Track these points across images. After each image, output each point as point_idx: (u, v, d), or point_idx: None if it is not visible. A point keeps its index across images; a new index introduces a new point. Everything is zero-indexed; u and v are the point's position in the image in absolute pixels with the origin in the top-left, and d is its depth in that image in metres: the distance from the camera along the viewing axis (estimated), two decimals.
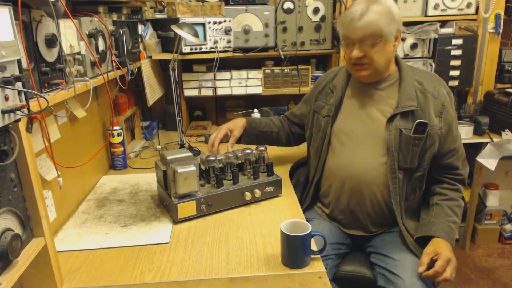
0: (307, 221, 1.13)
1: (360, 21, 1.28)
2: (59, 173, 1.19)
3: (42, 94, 0.98)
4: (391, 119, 1.36)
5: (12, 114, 0.80)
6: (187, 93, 2.36)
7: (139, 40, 1.95)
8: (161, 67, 2.34)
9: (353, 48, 1.33)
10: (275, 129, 1.72)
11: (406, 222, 1.38)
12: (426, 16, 2.29)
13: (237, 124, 1.66)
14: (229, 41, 2.17)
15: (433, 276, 1.20)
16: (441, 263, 1.20)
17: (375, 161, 1.38)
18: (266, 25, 2.27)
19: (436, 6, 2.25)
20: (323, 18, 2.32)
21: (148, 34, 2.07)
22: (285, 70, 2.40)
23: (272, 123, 1.73)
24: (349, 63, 1.39)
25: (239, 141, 1.67)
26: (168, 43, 2.13)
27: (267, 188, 1.45)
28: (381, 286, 1.30)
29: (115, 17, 1.64)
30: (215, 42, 2.12)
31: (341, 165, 1.43)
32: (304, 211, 1.52)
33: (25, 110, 0.83)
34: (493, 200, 2.66)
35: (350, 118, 1.45)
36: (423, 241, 1.32)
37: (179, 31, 1.66)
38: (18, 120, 0.83)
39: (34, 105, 0.91)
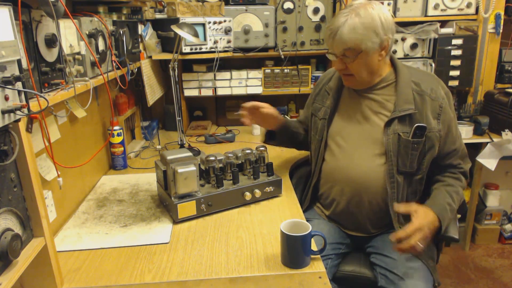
0: (307, 221, 1.13)
1: (335, 38, 1.28)
2: (59, 173, 1.19)
3: (42, 94, 0.98)
4: (388, 123, 1.35)
5: (12, 114, 0.80)
6: (187, 93, 2.36)
7: (139, 40, 1.95)
8: (161, 67, 2.34)
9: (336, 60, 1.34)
10: (301, 130, 1.67)
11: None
12: (426, 16, 2.29)
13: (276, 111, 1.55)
14: (229, 41, 2.17)
15: (397, 241, 1.17)
16: (409, 229, 1.16)
17: (374, 164, 1.37)
18: (266, 25, 2.27)
19: (436, 6, 2.25)
20: (323, 18, 2.32)
21: (148, 34, 2.07)
22: (285, 70, 2.40)
23: (298, 124, 1.68)
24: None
25: (268, 140, 1.64)
26: (168, 43, 2.13)
27: (267, 188, 1.45)
28: (382, 287, 1.30)
29: (115, 17, 1.64)
30: (215, 42, 2.12)
31: (340, 167, 1.43)
32: (304, 211, 1.51)
33: (25, 110, 0.83)
34: (493, 200, 2.66)
35: (347, 121, 1.44)
36: None
37: (179, 31, 1.65)
38: (18, 120, 0.83)
39: (34, 105, 0.91)
